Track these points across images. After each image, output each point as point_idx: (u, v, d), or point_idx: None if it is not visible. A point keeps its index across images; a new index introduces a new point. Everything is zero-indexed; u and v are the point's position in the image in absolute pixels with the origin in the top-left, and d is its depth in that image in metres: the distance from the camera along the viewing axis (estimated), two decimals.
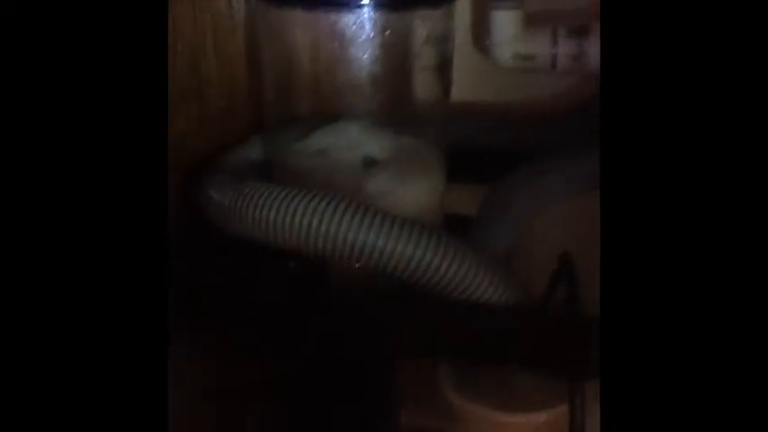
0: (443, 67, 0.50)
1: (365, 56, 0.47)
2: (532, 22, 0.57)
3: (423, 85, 0.51)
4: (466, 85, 0.57)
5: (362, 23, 0.46)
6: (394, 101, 0.50)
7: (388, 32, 0.47)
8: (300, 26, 0.49)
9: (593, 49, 0.55)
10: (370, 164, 0.48)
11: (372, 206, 0.40)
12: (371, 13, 0.46)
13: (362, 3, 0.45)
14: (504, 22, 0.56)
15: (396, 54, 0.49)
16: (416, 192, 0.49)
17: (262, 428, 0.49)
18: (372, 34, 0.46)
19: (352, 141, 0.49)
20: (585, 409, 0.36)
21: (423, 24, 0.49)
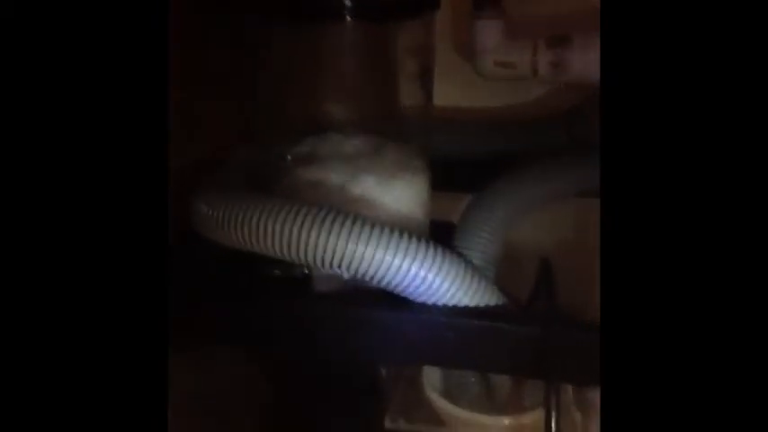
0: (425, 76, 0.51)
1: (349, 66, 0.48)
2: (513, 31, 0.57)
3: (406, 94, 0.51)
4: (449, 93, 0.58)
5: (346, 34, 0.47)
6: (378, 109, 0.51)
7: (370, 42, 0.47)
8: (286, 37, 0.50)
9: (573, 57, 0.56)
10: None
11: (357, 214, 0.40)
12: (354, 24, 0.46)
13: (345, 14, 0.45)
14: (486, 32, 0.57)
15: (379, 64, 0.49)
16: (401, 199, 0.49)
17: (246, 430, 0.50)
18: (355, 45, 0.47)
19: (337, 149, 0.50)
20: (560, 411, 0.37)
21: (404, 35, 0.50)
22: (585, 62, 0.56)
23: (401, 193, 0.49)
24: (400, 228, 0.41)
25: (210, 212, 0.43)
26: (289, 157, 0.50)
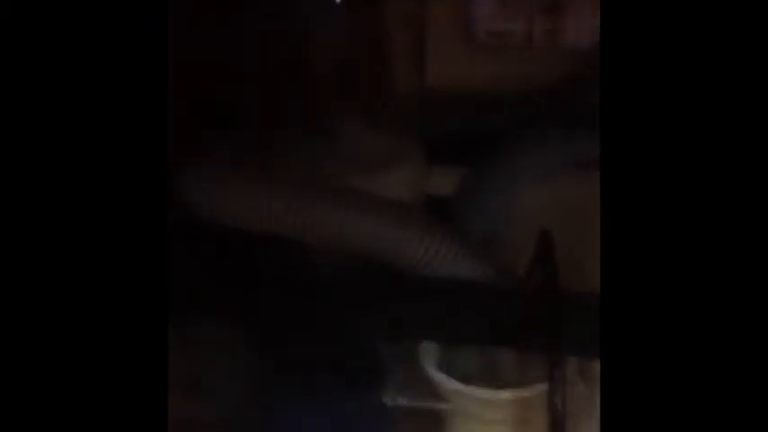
0: (418, 50, 0.50)
1: (341, 41, 0.47)
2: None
3: (398, 70, 0.51)
4: (441, 66, 0.57)
5: (338, 8, 0.46)
6: (371, 85, 0.50)
7: (362, 16, 0.47)
8: (274, 13, 0.49)
9: (567, 23, 0.55)
10: None
11: (355, 189, 0.40)
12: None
13: None
14: (479, 1, 0.56)
15: (371, 38, 0.49)
16: (398, 176, 0.49)
17: (243, 406, 0.49)
18: (347, 19, 0.46)
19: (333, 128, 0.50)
20: (565, 384, 0.36)
21: (395, 7, 0.49)
22: (580, 28, 0.55)
23: (397, 171, 0.49)
24: (398, 202, 0.40)
25: (210, 189, 0.42)
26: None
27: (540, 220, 0.46)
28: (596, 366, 0.44)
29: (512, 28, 0.55)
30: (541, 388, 0.43)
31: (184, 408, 0.44)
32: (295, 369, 0.48)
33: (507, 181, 0.50)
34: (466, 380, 0.47)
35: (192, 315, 0.44)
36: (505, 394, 0.46)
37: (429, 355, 0.48)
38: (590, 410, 0.43)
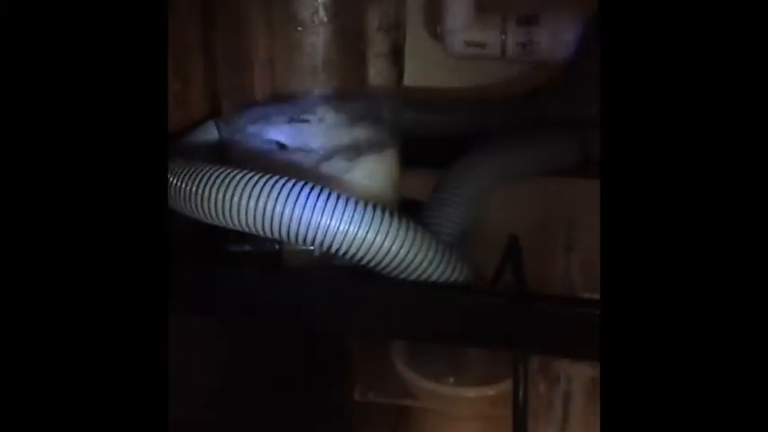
0: (396, 54, 0.51)
1: (319, 41, 0.48)
2: (484, 10, 0.58)
3: (376, 72, 0.52)
4: (419, 72, 0.59)
5: (316, 9, 0.47)
6: (348, 86, 0.51)
7: (341, 19, 0.47)
8: (256, 11, 0.50)
9: (541, 37, 0.57)
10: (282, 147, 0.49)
11: (328, 188, 0.41)
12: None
13: None
14: (456, 11, 0.57)
15: (349, 40, 0.49)
16: (372, 176, 0.50)
17: (215, 404, 0.50)
18: (326, 20, 0.47)
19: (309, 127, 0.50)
20: (528, 382, 0.38)
21: (375, 12, 0.50)
22: (553, 42, 0.57)
23: (372, 171, 0.49)
24: (371, 203, 0.41)
25: (179, 185, 0.42)
26: (262, 136, 0.50)
27: (508, 224, 0.47)
28: (556, 365, 0.46)
29: (487, 39, 0.57)
30: (505, 386, 0.44)
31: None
32: (266, 365, 0.48)
33: (478, 185, 0.51)
34: (433, 377, 0.48)
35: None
36: (471, 392, 0.48)
37: (400, 353, 0.50)
38: (549, 408, 0.45)
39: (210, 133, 0.56)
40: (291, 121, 0.50)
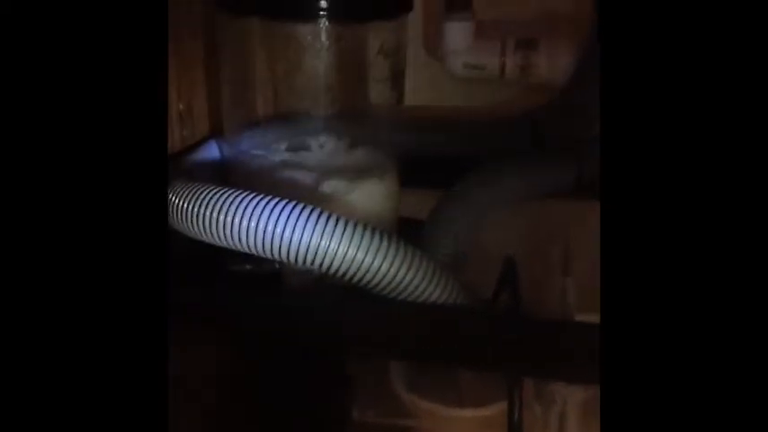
0: (396, 78, 0.52)
1: (321, 65, 0.49)
2: (483, 33, 0.59)
3: (376, 94, 0.52)
4: (419, 93, 0.59)
5: (318, 34, 0.47)
6: (349, 108, 0.52)
7: (342, 43, 0.48)
8: (258, 34, 0.51)
9: (539, 60, 0.58)
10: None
11: (326, 210, 0.41)
12: (327, 24, 0.47)
13: (318, 14, 0.46)
14: (456, 34, 0.58)
15: (350, 64, 0.50)
16: (371, 198, 0.50)
17: (214, 421, 0.50)
18: (327, 44, 0.48)
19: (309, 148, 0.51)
20: (523, 404, 0.38)
21: (376, 36, 0.50)
22: (551, 65, 0.58)
23: (371, 192, 0.50)
24: (370, 225, 0.41)
25: (180, 205, 0.43)
26: (264, 157, 0.50)
27: (506, 246, 0.48)
28: (551, 388, 0.46)
29: (487, 61, 0.58)
30: (502, 407, 0.44)
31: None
32: (266, 385, 0.49)
33: (477, 207, 0.52)
34: (430, 397, 0.48)
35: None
36: (468, 412, 0.48)
37: (398, 373, 0.50)
38: (545, 429, 0.45)
39: (212, 152, 0.56)
40: (291, 149, 0.50)
